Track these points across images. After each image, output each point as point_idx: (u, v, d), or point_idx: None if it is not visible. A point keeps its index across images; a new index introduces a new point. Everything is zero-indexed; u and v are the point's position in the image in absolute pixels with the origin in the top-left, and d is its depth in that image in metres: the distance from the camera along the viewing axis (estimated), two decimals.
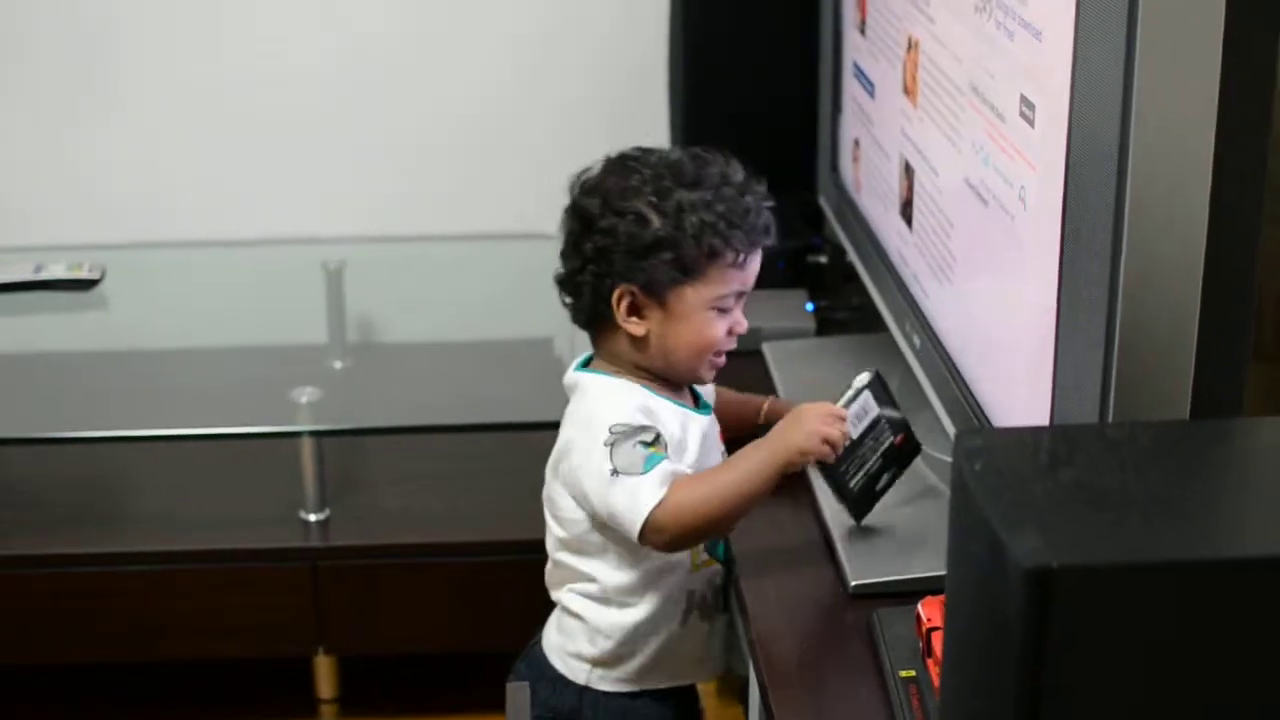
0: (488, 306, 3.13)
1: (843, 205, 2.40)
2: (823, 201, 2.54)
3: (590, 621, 1.88)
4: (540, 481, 2.77)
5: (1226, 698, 1.04)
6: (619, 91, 3.04)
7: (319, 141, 3.09)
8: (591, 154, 3.06)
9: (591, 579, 1.87)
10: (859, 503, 1.86)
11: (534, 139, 3.10)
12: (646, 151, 1.87)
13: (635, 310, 1.82)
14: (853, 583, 1.78)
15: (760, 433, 1.84)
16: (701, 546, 1.87)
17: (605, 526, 1.82)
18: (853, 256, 2.34)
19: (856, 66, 2.30)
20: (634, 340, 1.83)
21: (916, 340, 1.98)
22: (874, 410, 1.86)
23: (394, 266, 3.16)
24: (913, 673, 1.61)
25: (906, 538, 1.86)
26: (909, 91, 2.01)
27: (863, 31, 2.25)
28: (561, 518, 1.87)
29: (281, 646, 2.67)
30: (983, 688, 1.09)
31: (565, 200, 3.07)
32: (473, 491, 2.77)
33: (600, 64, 3.05)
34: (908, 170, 2.04)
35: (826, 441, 1.77)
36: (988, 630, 1.08)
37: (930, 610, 1.61)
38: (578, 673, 1.90)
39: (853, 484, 1.84)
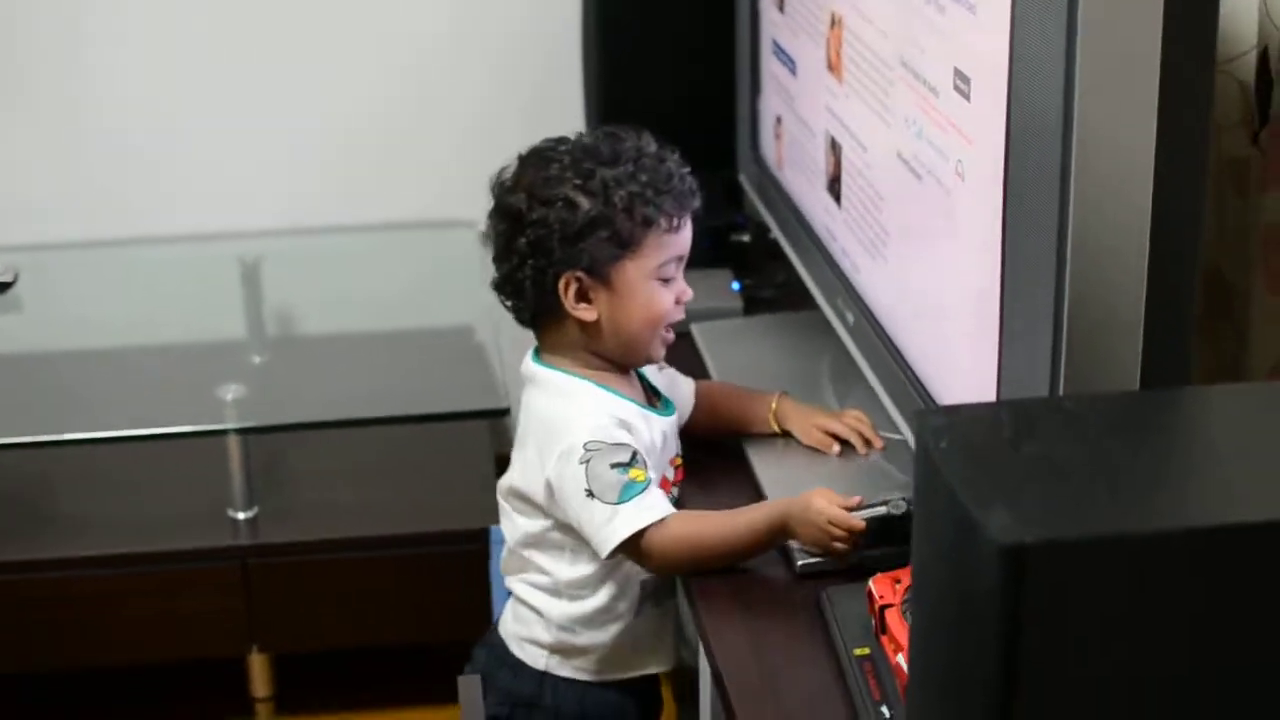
0: (406, 296, 3.10)
1: (765, 183, 2.40)
2: (743, 179, 2.53)
3: (544, 612, 1.88)
4: (470, 470, 2.77)
5: (1201, 667, 1.04)
6: (534, 76, 3.02)
7: (231, 135, 3.04)
8: (507, 140, 3.02)
9: (545, 572, 1.86)
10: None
11: (449, 126, 3.07)
12: (558, 141, 1.88)
13: (583, 295, 1.81)
14: (799, 562, 1.78)
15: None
16: None
17: (569, 529, 1.81)
18: (777, 234, 2.34)
19: (776, 44, 2.30)
20: (585, 326, 1.83)
21: (849, 316, 1.98)
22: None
23: (310, 259, 3.12)
24: (866, 650, 1.61)
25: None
26: (833, 68, 2.01)
27: (781, 9, 2.25)
28: (523, 511, 1.86)
29: (214, 647, 2.65)
30: (955, 664, 1.09)
31: (482, 186, 3.08)
32: (399, 483, 2.76)
33: (514, 49, 3.02)
34: (834, 146, 2.03)
35: (829, 551, 1.75)
36: (959, 607, 1.07)
37: (882, 587, 1.61)
38: (536, 659, 1.90)
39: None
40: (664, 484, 1.85)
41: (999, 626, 1.02)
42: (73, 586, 2.59)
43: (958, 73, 1.57)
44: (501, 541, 1.93)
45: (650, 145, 1.86)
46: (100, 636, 2.62)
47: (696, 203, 1.85)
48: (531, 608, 1.88)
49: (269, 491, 2.70)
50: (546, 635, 1.88)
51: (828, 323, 2.10)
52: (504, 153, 3.05)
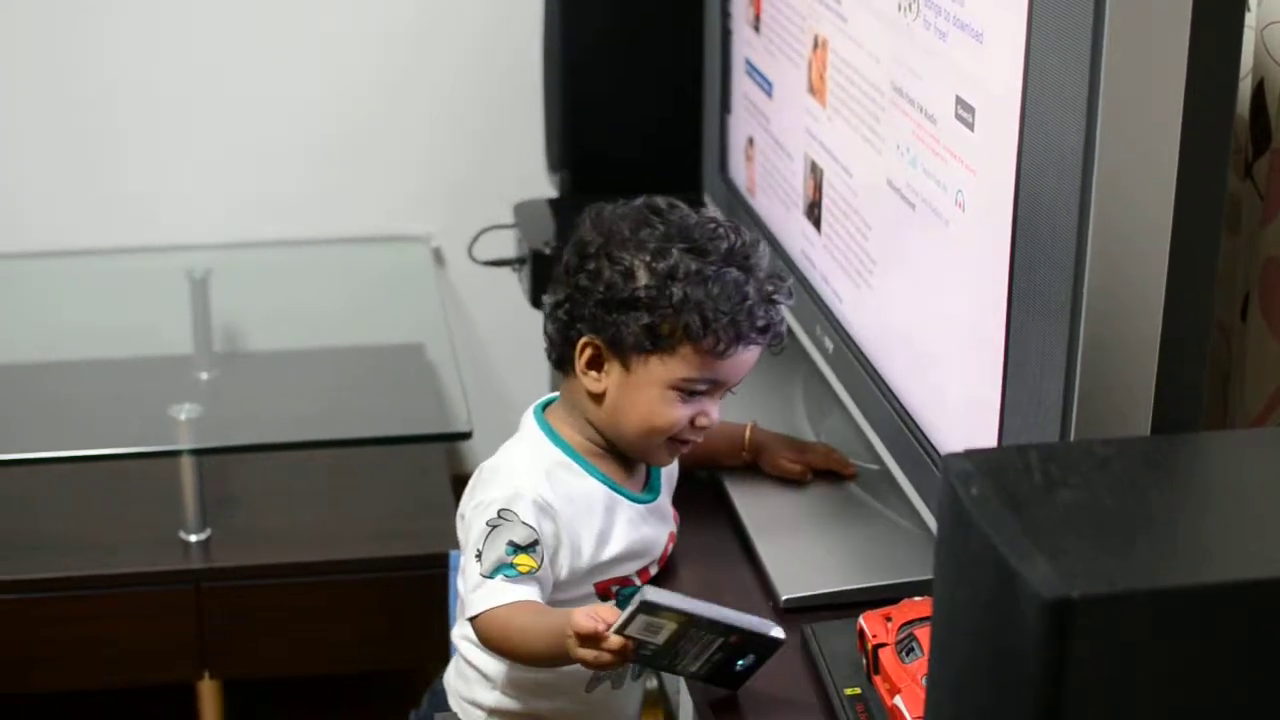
0: (357, 312, 3.06)
1: (734, 204, 2.36)
2: (709, 201, 2.50)
3: (484, 671, 1.78)
4: (428, 492, 2.72)
5: None
6: (491, 92, 2.98)
7: (178, 145, 2.99)
8: (461, 156, 3.03)
9: None
10: (718, 680, 1.61)
11: (403, 141, 3.03)
12: (674, 207, 1.73)
13: (596, 364, 1.72)
14: (784, 596, 1.75)
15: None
16: None
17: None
18: None
19: (750, 64, 2.26)
20: (591, 396, 1.73)
21: (829, 344, 1.95)
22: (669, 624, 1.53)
23: (260, 273, 3.06)
24: (858, 690, 1.58)
25: (832, 549, 1.83)
26: (815, 91, 1.98)
27: (756, 28, 2.21)
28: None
29: (164, 672, 2.58)
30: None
31: (435, 200, 3.05)
32: (356, 505, 2.71)
33: (472, 63, 2.97)
34: (814, 170, 2.00)
35: (598, 663, 1.56)
36: (995, 661, 1.04)
37: (873, 625, 1.58)
38: (473, 717, 1.81)
39: (696, 669, 1.59)
40: (643, 576, 1.78)
41: (1041, 683, 0.99)
42: (18, 610, 2.52)
43: (960, 101, 1.54)
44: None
45: (757, 259, 1.70)
46: (47, 661, 2.56)
47: (763, 339, 1.70)
48: (474, 666, 1.78)
49: (222, 513, 2.63)
50: (487, 697, 1.78)
51: (800, 349, 2.06)
52: (458, 167, 3.04)
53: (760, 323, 1.69)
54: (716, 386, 1.71)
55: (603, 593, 1.75)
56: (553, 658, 1.61)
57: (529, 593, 1.65)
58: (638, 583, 1.77)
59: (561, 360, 1.75)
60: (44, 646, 2.55)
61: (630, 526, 1.75)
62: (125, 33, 2.92)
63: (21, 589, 2.52)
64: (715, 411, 1.73)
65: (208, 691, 2.64)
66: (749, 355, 1.71)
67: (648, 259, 1.68)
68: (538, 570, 1.66)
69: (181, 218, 3.03)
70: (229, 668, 2.60)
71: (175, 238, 3.03)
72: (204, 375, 2.89)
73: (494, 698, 1.78)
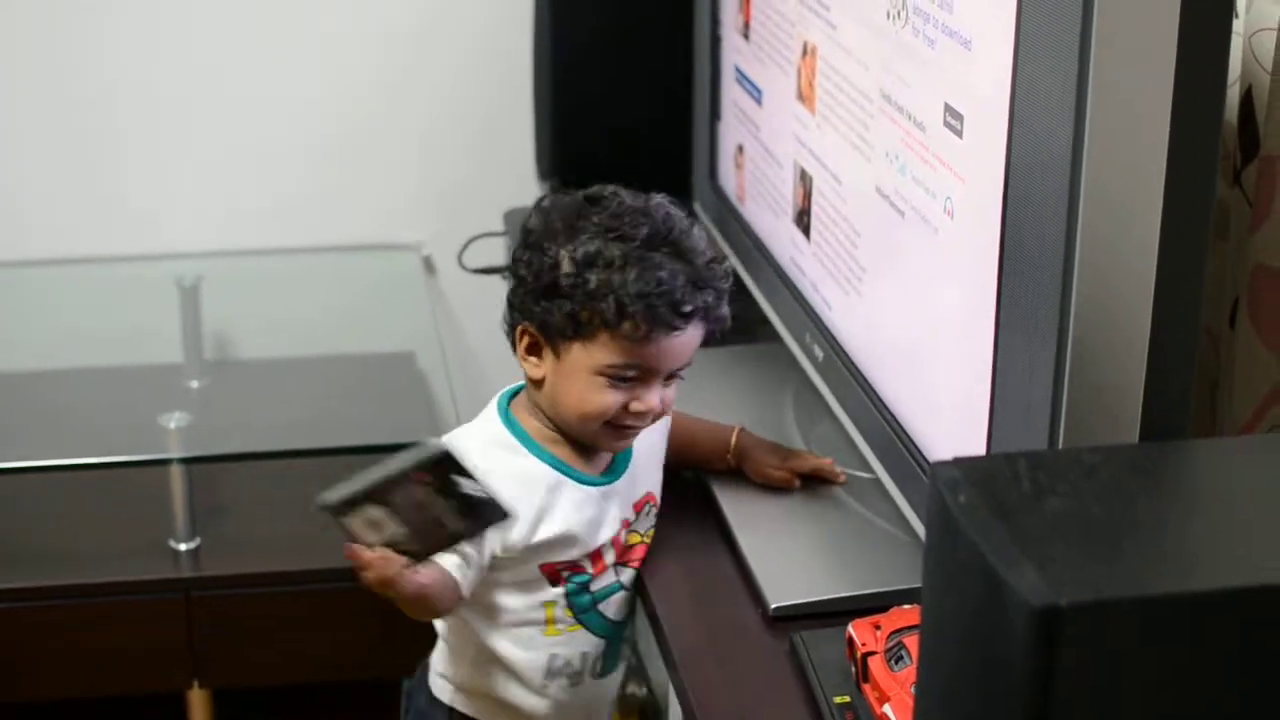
0: (347, 320, 3.06)
1: (723, 212, 2.36)
2: (698, 209, 2.49)
3: (449, 641, 1.85)
4: None
5: None
6: (481, 100, 2.98)
7: (169, 153, 2.98)
8: (452, 163, 3.03)
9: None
10: (486, 516, 1.61)
11: (394, 149, 3.02)
12: (615, 195, 1.74)
13: (535, 351, 1.74)
14: (773, 605, 1.74)
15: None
16: (561, 611, 1.79)
17: (483, 564, 1.75)
18: (737, 266, 2.30)
19: (739, 71, 2.26)
20: (532, 382, 1.76)
21: (818, 352, 1.95)
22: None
23: (250, 281, 3.06)
24: (847, 698, 1.58)
25: (820, 556, 1.83)
26: (804, 98, 1.98)
27: (746, 36, 2.21)
28: None
29: (154, 681, 2.58)
30: None
31: (426, 208, 3.05)
32: None
33: (463, 72, 2.97)
34: (803, 177, 2.00)
35: (382, 580, 1.61)
36: (983, 669, 1.04)
37: (862, 633, 1.58)
38: (443, 691, 1.86)
39: (458, 527, 1.60)
40: (596, 553, 1.79)
41: (1030, 691, 0.99)
42: (7, 618, 2.52)
43: (949, 109, 1.54)
44: None
45: (689, 244, 1.71)
46: (36, 669, 2.55)
47: (684, 326, 1.69)
48: (442, 636, 1.86)
49: (212, 522, 2.63)
50: (451, 668, 1.85)
51: (789, 356, 2.06)
52: (448, 175, 3.04)
53: (684, 308, 1.68)
54: (648, 373, 1.71)
55: (550, 575, 1.77)
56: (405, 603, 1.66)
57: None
58: (589, 571, 1.79)
59: (512, 347, 1.78)
60: (33, 655, 2.55)
61: (575, 507, 1.76)
62: (112, 42, 2.92)
63: (10, 597, 2.52)
64: (654, 397, 1.72)
65: (197, 700, 2.64)
66: (678, 341, 1.70)
67: (571, 248, 1.70)
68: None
69: (170, 227, 3.03)
70: (219, 676, 2.60)
71: (164, 246, 3.03)
72: (194, 384, 2.89)
73: (459, 674, 1.84)
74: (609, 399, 1.71)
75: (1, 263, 3.01)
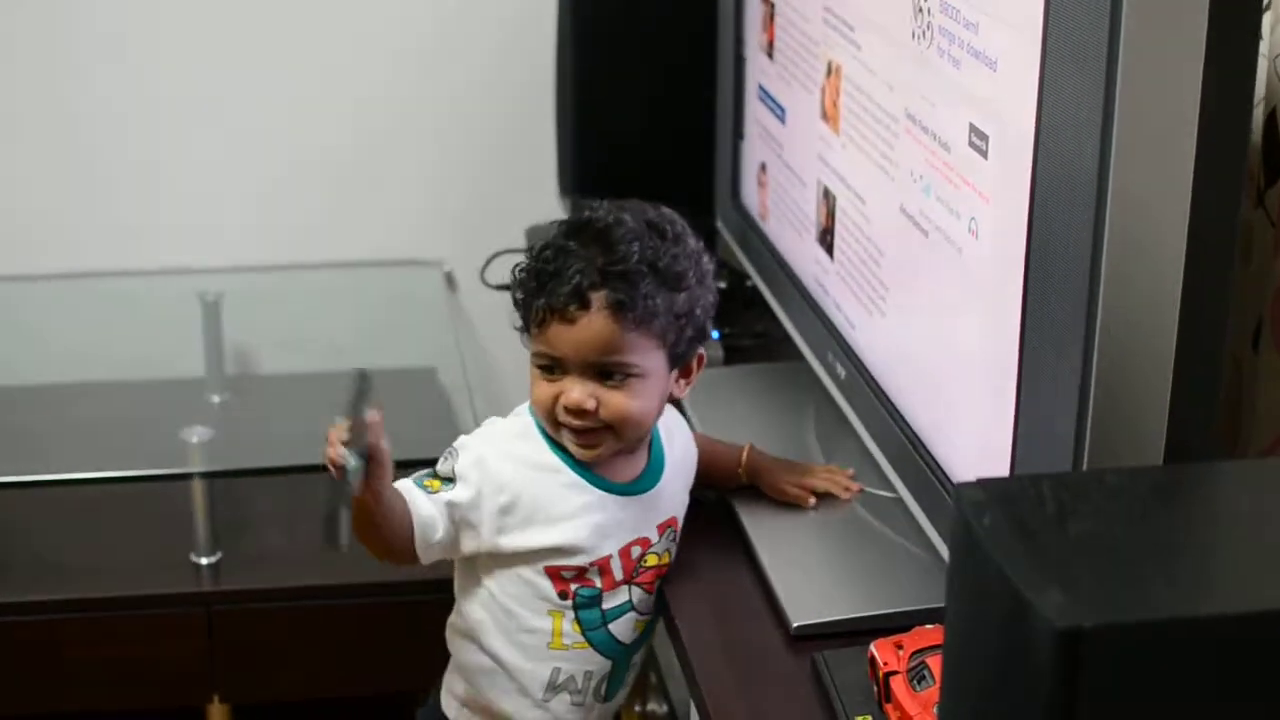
0: (369, 336, 3.06)
1: (746, 231, 2.36)
2: (721, 227, 2.50)
3: (456, 657, 1.86)
4: None
5: None
6: (502, 116, 2.98)
7: (193, 169, 2.99)
8: (473, 180, 3.03)
9: (459, 612, 1.85)
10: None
11: (415, 165, 3.03)
12: (601, 203, 1.77)
13: None
14: (795, 624, 1.74)
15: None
16: (569, 624, 1.80)
17: (456, 547, 1.77)
18: (758, 283, 2.30)
19: (763, 90, 2.26)
20: None
21: (841, 370, 1.95)
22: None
23: (272, 296, 3.07)
24: (869, 718, 1.58)
25: (843, 575, 1.83)
26: (829, 117, 1.98)
27: (770, 55, 2.22)
28: None
29: (174, 696, 2.58)
30: None
31: (447, 224, 3.05)
32: None
33: (483, 88, 2.98)
34: (827, 196, 2.00)
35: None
36: (1007, 691, 1.04)
37: (884, 653, 1.58)
38: (449, 707, 1.88)
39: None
40: (604, 564, 1.78)
41: (1053, 713, 0.99)
42: (30, 632, 2.52)
43: (974, 129, 1.54)
44: None
45: (613, 236, 1.70)
46: (57, 682, 2.56)
47: (580, 314, 1.67)
48: (450, 652, 1.88)
49: (233, 536, 2.63)
50: (457, 685, 1.87)
51: (811, 375, 2.06)
52: (470, 191, 3.04)
53: (585, 295, 1.67)
54: (562, 363, 1.71)
55: (555, 580, 1.77)
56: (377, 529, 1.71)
57: (420, 500, 1.73)
58: (597, 585, 1.79)
59: None
60: (54, 668, 2.55)
61: (583, 507, 1.76)
62: (136, 55, 2.93)
63: (33, 610, 2.52)
64: (576, 392, 1.70)
65: (217, 715, 2.64)
66: (584, 330, 1.69)
67: (532, 247, 1.76)
68: (438, 493, 1.73)
69: (194, 241, 3.03)
70: (240, 691, 2.60)
71: (188, 261, 3.03)
72: (216, 398, 2.90)
73: (464, 689, 1.86)
74: (542, 390, 1.73)
75: (26, 278, 3.02)
